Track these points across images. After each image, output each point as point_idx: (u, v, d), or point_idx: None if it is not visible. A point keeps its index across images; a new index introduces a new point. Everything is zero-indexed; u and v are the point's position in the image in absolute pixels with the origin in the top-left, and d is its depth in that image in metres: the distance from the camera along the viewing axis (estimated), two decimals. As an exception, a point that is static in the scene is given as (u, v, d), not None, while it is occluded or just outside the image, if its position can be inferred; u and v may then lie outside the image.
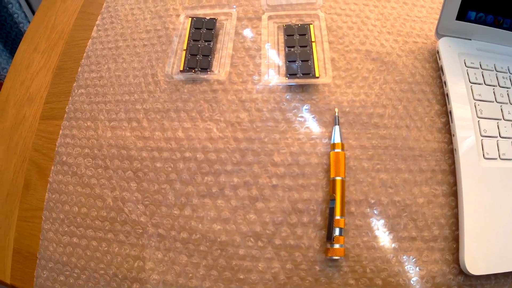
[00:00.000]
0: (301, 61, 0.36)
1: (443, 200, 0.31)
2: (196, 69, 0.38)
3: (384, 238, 0.31)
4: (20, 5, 0.74)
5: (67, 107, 0.39)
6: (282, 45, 0.39)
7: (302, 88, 0.37)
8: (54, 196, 0.35)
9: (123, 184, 0.35)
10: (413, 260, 0.30)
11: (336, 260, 0.30)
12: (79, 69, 0.41)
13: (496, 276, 0.29)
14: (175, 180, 0.34)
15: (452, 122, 0.32)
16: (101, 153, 0.36)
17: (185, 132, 0.36)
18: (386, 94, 0.36)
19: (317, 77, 0.35)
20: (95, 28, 0.44)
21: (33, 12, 0.85)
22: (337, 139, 0.33)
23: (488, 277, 0.29)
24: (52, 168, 0.37)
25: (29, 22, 0.77)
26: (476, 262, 0.28)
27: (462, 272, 0.29)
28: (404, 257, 0.30)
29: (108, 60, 0.41)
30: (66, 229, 0.34)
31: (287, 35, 0.38)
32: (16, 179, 0.38)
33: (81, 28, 0.45)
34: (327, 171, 0.33)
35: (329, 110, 0.35)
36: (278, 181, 0.33)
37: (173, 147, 0.35)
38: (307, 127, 0.35)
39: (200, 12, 0.42)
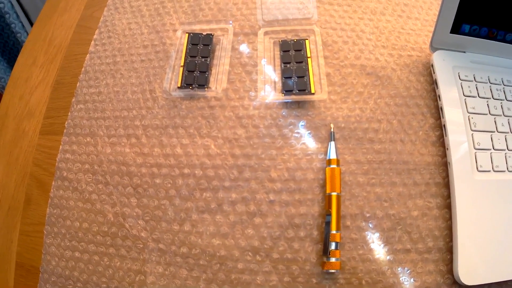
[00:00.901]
0: (297, 77, 0.37)
1: (437, 213, 0.32)
2: (193, 86, 0.38)
3: (379, 250, 0.31)
4: (17, 15, 0.74)
5: (66, 122, 0.40)
6: (278, 60, 0.39)
7: (298, 104, 0.37)
8: (55, 211, 0.36)
9: (124, 200, 0.35)
10: (408, 271, 0.31)
11: (332, 273, 0.31)
12: (77, 84, 0.42)
13: (489, 286, 0.30)
14: (175, 196, 0.35)
15: (446, 136, 0.33)
16: (101, 169, 0.37)
17: (183, 149, 0.36)
18: (381, 109, 0.36)
19: (313, 94, 0.36)
20: (92, 42, 0.44)
21: (31, 23, 0.85)
22: (332, 155, 0.33)
23: (481, 287, 0.30)
24: (53, 183, 0.37)
25: (26, 32, 0.77)
26: (470, 272, 0.29)
27: (456, 283, 0.30)
28: (399, 269, 0.31)
29: (106, 76, 0.41)
30: (68, 243, 0.34)
31: (283, 51, 0.38)
32: (17, 193, 0.38)
33: (79, 42, 0.45)
34: (323, 186, 0.33)
35: (324, 126, 0.36)
36: (275, 196, 0.34)
37: (172, 164, 0.36)
38: (303, 143, 0.35)
39: (196, 27, 0.42)
